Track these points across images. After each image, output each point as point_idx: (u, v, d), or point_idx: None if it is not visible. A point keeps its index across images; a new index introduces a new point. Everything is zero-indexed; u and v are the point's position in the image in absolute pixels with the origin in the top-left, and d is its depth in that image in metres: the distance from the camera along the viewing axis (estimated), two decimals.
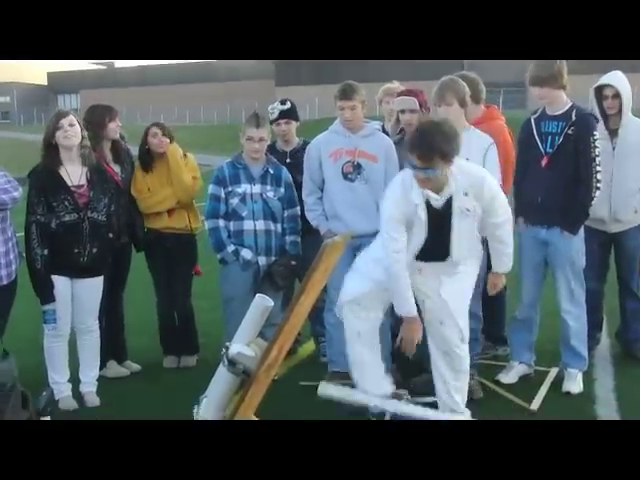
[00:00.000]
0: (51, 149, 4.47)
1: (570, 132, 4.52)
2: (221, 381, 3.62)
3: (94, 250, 4.50)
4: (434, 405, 4.07)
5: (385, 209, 3.86)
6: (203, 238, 5.24)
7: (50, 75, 76.18)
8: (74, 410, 4.52)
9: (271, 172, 4.89)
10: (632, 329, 5.32)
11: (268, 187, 4.86)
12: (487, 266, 4.47)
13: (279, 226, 4.89)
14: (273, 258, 4.85)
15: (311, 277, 3.44)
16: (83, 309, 4.60)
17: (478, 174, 3.83)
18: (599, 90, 5.01)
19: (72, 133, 4.44)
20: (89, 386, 4.69)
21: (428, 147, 3.59)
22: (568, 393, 4.61)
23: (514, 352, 4.93)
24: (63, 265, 4.45)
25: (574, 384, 4.65)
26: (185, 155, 5.28)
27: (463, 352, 3.97)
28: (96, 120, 4.97)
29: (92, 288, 4.60)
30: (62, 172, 4.46)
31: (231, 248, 4.81)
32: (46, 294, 4.43)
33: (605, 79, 4.96)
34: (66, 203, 4.41)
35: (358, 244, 4.34)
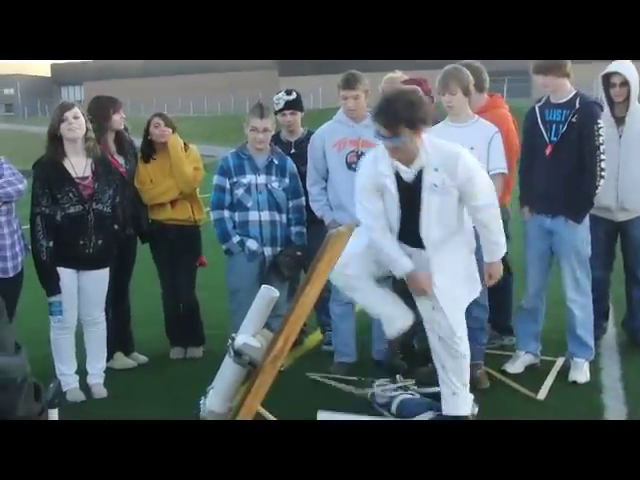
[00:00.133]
0: (55, 141, 4.47)
1: (574, 120, 4.50)
2: (227, 372, 3.63)
3: (99, 242, 4.50)
4: (440, 395, 4.06)
5: (357, 180, 3.89)
6: (208, 229, 5.24)
7: (54, 67, 76.20)
8: (82, 402, 4.54)
9: (276, 162, 4.88)
10: (638, 318, 5.30)
11: (273, 178, 4.85)
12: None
13: (284, 217, 4.89)
14: (279, 249, 4.85)
15: (316, 267, 3.44)
16: (89, 301, 4.60)
17: (452, 150, 3.72)
18: (607, 78, 4.98)
19: (76, 125, 4.43)
20: (96, 378, 4.70)
21: (392, 115, 3.56)
22: (575, 382, 4.60)
23: (520, 342, 4.93)
24: (68, 257, 4.46)
25: (580, 373, 4.64)
26: (187, 146, 5.27)
27: (456, 337, 3.86)
28: (100, 112, 4.96)
29: (98, 280, 4.60)
30: (66, 164, 4.46)
31: (236, 239, 4.81)
32: (52, 286, 4.43)
33: (613, 67, 4.93)
34: (70, 195, 4.41)
35: None
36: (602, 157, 4.49)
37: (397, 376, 4.40)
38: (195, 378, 4.49)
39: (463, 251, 3.91)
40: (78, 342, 4.68)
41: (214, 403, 3.64)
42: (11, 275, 4.30)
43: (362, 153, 4.63)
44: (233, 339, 3.57)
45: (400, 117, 3.53)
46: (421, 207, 3.71)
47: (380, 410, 4.15)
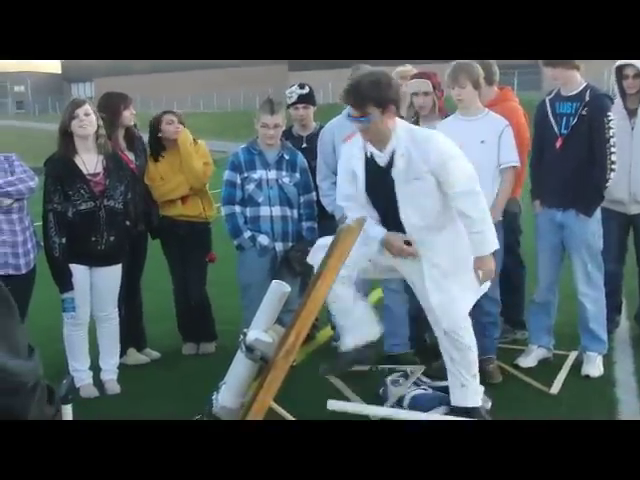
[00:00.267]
0: (66, 138, 4.47)
1: (584, 113, 4.47)
2: (239, 368, 3.63)
3: (111, 238, 4.51)
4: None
5: (338, 163, 3.99)
6: (219, 225, 5.24)
7: (64, 64, 76.37)
8: (95, 398, 4.56)
9: (286, 158, 4.87)
10: None
11: (283, 173, 4.84)
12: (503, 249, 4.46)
13: (295, 212, 4.88)
14: (290, 244, 4.85)
15: (327, 262, 3.43)
16: (102, 297, 4.62)
17: (424, 134, 3.70)
18: (620, 69, 4.94)
19: (87, 122, 4.44)
20: (110, 374, 4.72)
21: (359, 93, 3.56)
22: (588, 376, 4.59)
23: (533, 336, 4.91)
24: (81, 253, 4.47)
25: (594, 367, 4.63)
26: (196, 141, 5.26)
27: (460, 329, 3.80)
28: (111, 108, 4.97)
29: (110, 276, 4.61)
30: (77, 161, 4.47)
31: (248, 234, 4.81)
32: (64, 282, 4.45)
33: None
34: (82, 192, 4.42)
35: None
36: (612, 150, 4.46)
37: (409, 370, 4.40)
38: (207, 374, 4.50)
39: (460, 243, 3.78)
40: (91, 338, 4.70)
41: (226, 398, 3.65)
42: (23, 272, 4.32)
43: None
44: (245, 334, 3.57)
45: (366, 95, 3.53)
46: (396, 191, 3.69)
47: (392, 405, 4.14)
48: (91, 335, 4.69)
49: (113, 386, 4.68)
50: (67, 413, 2.21)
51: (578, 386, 4.47)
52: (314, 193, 4.96)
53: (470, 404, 3.87)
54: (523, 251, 5.23)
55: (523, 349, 4.94)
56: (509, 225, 4.78)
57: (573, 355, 4.86)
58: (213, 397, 3.70)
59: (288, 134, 5.17)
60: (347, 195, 3.89)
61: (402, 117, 4.93)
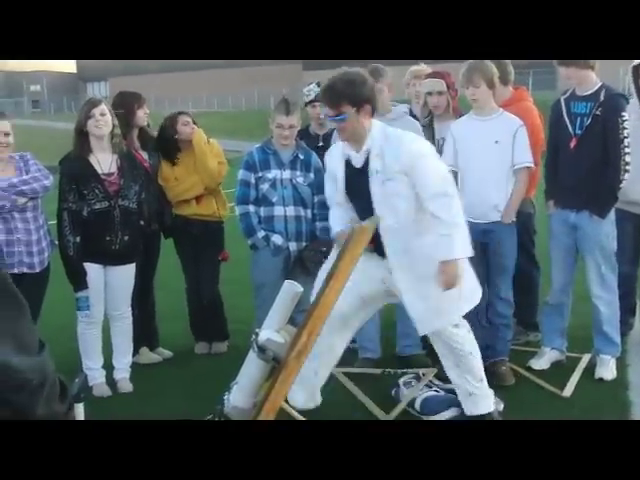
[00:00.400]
0: (82, 137, 4.50)
1: (598, 113, 4.43)
2: (251, 368, 3.63)
3: (125, 237, 4.53)
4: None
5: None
6: (233, 224, 5.25)
7: (79, 63, 76.73)
8: (107, 397, 4.58)
9: (301, 157, 4.87)
10: None
11: (298, 173, 4.84)
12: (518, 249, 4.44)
13: (309, 212, 4.88)
14: (304, 244, 4.85)
15: (339, 262, 3.43)
16: (116, 296, 4.64)
17: (397, 134, 3.69)
18: (636, 69, 4.91)
19: (103, 123, 4.46)
20: (122, 372, 4.74)
21: (334, 92, 3.61)
22: (601, 379, 4.56)
23: (546, 338, 4.88)
24: (95, 252, 4.49)
25: (607, 370, 4.60)
26: (208, 141, 5.26)
27: (454, 335, 3.75)
28: (125, 107, 4.98)
29: (124, 275, 4.63)
30: (92, 160, 4.49)
31: (261, 234, 4.81)
32: (79, 281, 4.47)
33: None
34: (96, 191, 4.44)
35: None
36: (627, 150, 4.42)
37: (421, 372, 4.39)
38: (219, 373, 4.51)
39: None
40: (104, 337, 4.71)
41: (238, 399, 3.65)
42: (37, 270, 4.34)
43: None
44: (257, 334, 3.57)
45: (341, 94, 3.58)
46: (371, 192, 3.69)
47: (404, 407, 4.14)
48: (104, 334, 4.71)
49: (125, 385, 4.70)
50: (79, 412, 2.22)
51: (591, 389, 4.44)
52: None
53: (482, 411, 3.84)
54: (537, 252, 5.21)
55: (536, 351, 4.91)
56: (523, 225, 4.76)
57: (586, 358, 4.83)
58: (225, 397, 3.70)
59: (304, 132, 5.17)
60: (330, 197, 3.97)
61: (415, 116, 4.97)
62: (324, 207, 4.93)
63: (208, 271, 5.30)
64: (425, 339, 4.97)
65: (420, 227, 3.65)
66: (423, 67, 5.44)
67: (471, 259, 4.57)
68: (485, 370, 4.31)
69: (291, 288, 3.71)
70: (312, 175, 4.88)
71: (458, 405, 3.95)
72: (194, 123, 5.20)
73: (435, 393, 4.18)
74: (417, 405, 4.11)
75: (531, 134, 4.56)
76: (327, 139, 5.18)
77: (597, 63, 4.47)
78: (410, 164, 3.55)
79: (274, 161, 4.82)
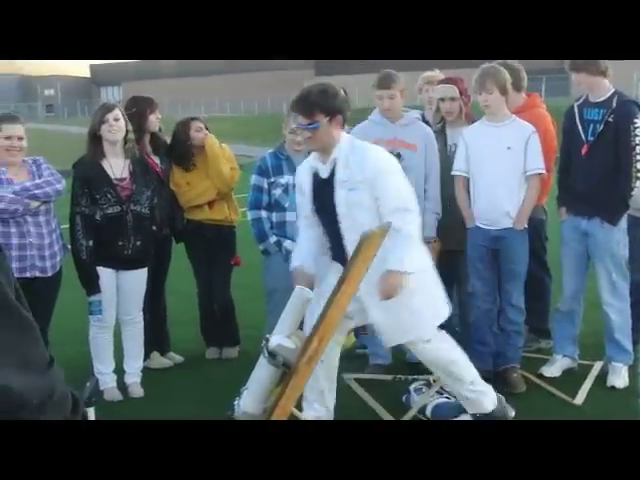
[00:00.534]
0: (95, 141, 4.52)
1: (610, 120, 4.42)
2: (262, 373, 3.63)
3: (138, 242, 4.55)
4: None
5: None
6: (245, 229, 5.25)
7: (93, 67, 77.23)
8: (118, 401, 4.58)
9: None
10: None
11: None
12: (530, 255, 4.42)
13: None
14: None
15: (350, 268, 3.43)
16: (128, 300, 4.65)
17: (363, 145, 3.76)
18: None
19: (116, 128, 4.48)
20: (133, 377, 4.75)
21: (308, 102, 3.66)
22: (613, 387, 4.53)
23: (557, 345, 4.86)
24: (108, 257, 4.51)
25: (619, 378, 4.57)
26: (220, 145, 5.27)
27: (426, 351, 3.77)
28: (137, 112, 4.99)
29: (136, 279, 4.65)
30: (105, 165, 4.51)
31: (273, 239, 4.81)
32: (92, 285, 4.49)
33: None
34: (109, 196, 4.46)
35: None
36: (638, 158, 4.40)
37: (432, 379, 4.38)
38: (230, 378, 4.51)
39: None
40: (115, 342, 4.73)
41: (248, 404, 3.65)
42: (50, 274, 4.35)
43: (398, 153, 4.60)
44: (267, 340, 3.57)
45: (314, 103, 3.64)
46: (335, 203, 3.70)
47: (415, 413, 4.13)
48: (115, 338, 4.72)
49: (137, 389, 4.71)
50: (90, 416, 2.22)
51: (602, 397, 4.42)
52: None
53: (488, 407, 3.84)
54: (549, 258, 5.19)
55: (547, 358, 4.89)
56: (534, 231, 4.74)
57: (598, 365, 4.80)
58: (235, 402, 3.70)
59: None
60: (299, 213, 3.99)
61: (427, 122, 4.96)
62: None
63: (220, 275, 5.31)
64: None
65: (384, 243, 3.60)
66: (436, 73, 5.44)
67: (482, 265, 4.58)
68: (496, 377, 4.30)
69: (302, 294, 3.71)
70: None
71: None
72: (206, 128, 5.21)
73: (446, 400, 4.16)
74: (428, 412, 4.10)
75: (544, 140, 4.55)
76: None
77: (610, 70, 4.46)
78: (373, 177, 3.61)
79: (287, 166, 4.83)
